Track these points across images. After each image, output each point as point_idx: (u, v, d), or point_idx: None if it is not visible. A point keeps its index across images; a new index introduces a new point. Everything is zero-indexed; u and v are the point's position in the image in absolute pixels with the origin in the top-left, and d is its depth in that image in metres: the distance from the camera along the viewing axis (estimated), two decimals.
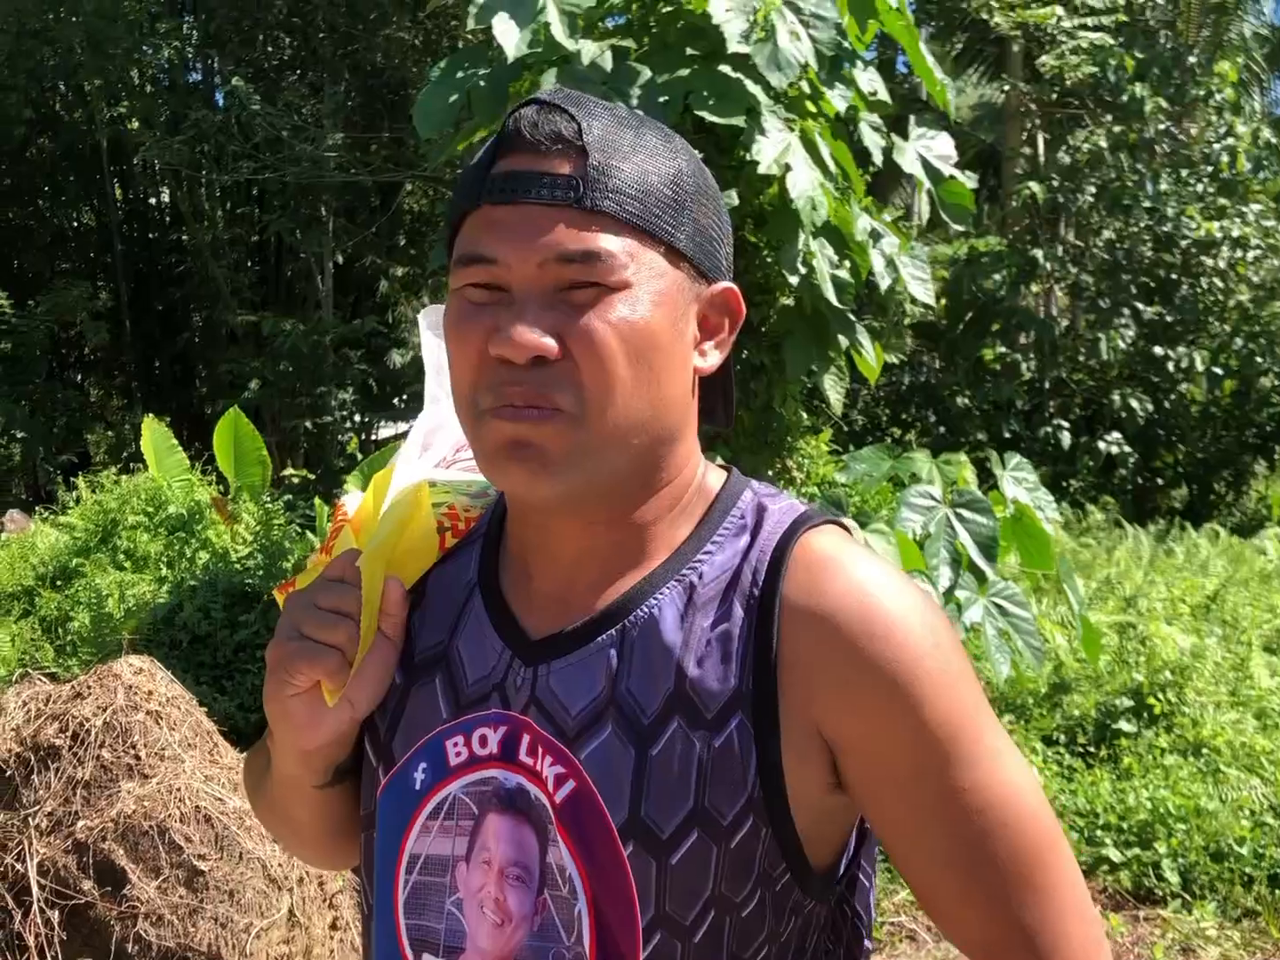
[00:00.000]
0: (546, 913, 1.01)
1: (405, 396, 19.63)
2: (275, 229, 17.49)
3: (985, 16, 13.51)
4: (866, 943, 1.11)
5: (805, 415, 5.36)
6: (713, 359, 1.06)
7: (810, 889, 1.03)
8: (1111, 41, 13.60)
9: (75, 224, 21.54)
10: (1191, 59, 14.70)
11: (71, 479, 16.92)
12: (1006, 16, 13.12)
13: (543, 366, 0.96)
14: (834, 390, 4.72)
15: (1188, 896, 4.50)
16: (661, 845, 0.98)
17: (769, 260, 4.76)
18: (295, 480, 11.47)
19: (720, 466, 1.12)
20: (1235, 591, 7.64)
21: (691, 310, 1.03)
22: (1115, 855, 4.66)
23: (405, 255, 20.51)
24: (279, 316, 16.96)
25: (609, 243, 0.97)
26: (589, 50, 4.45)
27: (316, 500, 8.52)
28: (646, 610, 1.02)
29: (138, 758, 3.59)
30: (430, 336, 1.21)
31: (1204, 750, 5.30)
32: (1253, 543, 10.77)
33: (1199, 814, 4.75)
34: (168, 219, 21.21)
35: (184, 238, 19.45)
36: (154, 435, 9.62)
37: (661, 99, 4.37)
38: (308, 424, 16.92)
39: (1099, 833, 4.77)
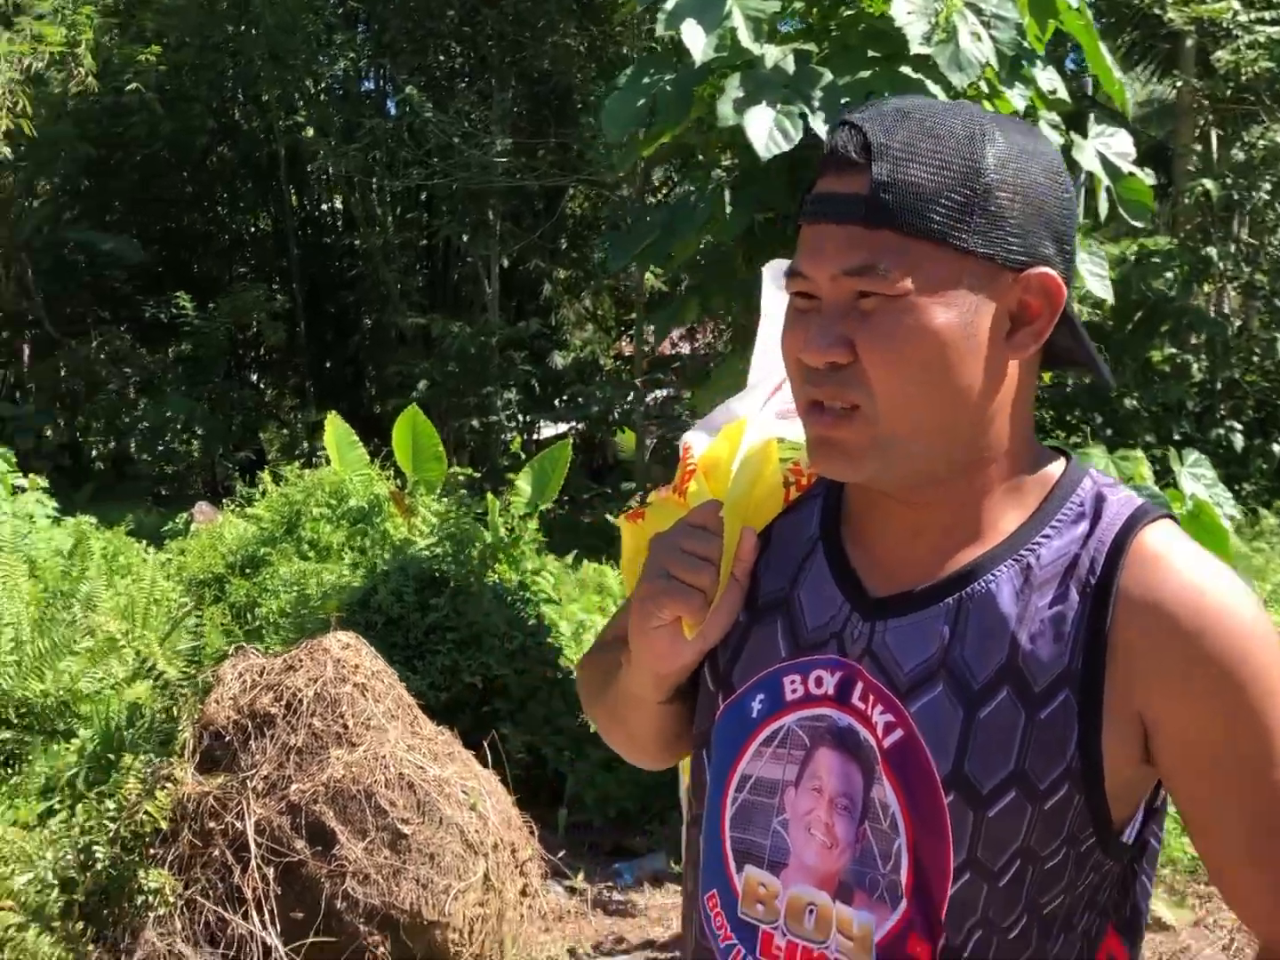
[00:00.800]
0: (866, 842, 1.12)
1: (565, 397, 19.99)
2: (446, 233, 17.95)
3: (1158, 12, 13.27)
4: (1148, 901, 1.22)
5: None
6: (1027, 344, 1.12)
7: (1110, 850, 1.13)
8: None
9: (252, 229, 22.34)
10: None
11: (247, 475, 17.59)
12: (1180, 11, 12.88)
13: (839, 370, 1.09)
14: None
15: None
16: (980, 799, 1.09)
17: None
18: (461, 477, 11.80)
19: (1054, 449, 1.21)
20: None
21: (988, 304, 1.09)
22: None
23: (568, 259, 20.85)
24: (447, 319, 17.40)
25: (888, 255, 1.06)
26: (772, 54, 4.57)
27: (489, 496, 8.76)
28: (984, 585, 1.12)
29: (346, 726, 3.82)
30: (771, 288, 1.33)
31: None
32: None
33: None
34: (340, 224, 21.89)
35: (356, 242, 20.06)
36: (336, 431, 10.02)
37: (844, 100, 4.47)
38: (474, 423, 17.31)
39: None
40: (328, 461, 10.30)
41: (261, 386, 22.16)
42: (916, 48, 4.42)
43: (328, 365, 21.49)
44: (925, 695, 1.11)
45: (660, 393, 18.41)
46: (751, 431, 1.25)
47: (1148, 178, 4.94)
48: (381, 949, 3.67)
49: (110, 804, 3.76)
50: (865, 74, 4.57)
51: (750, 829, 1.18)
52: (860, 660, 1.14)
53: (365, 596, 5.66)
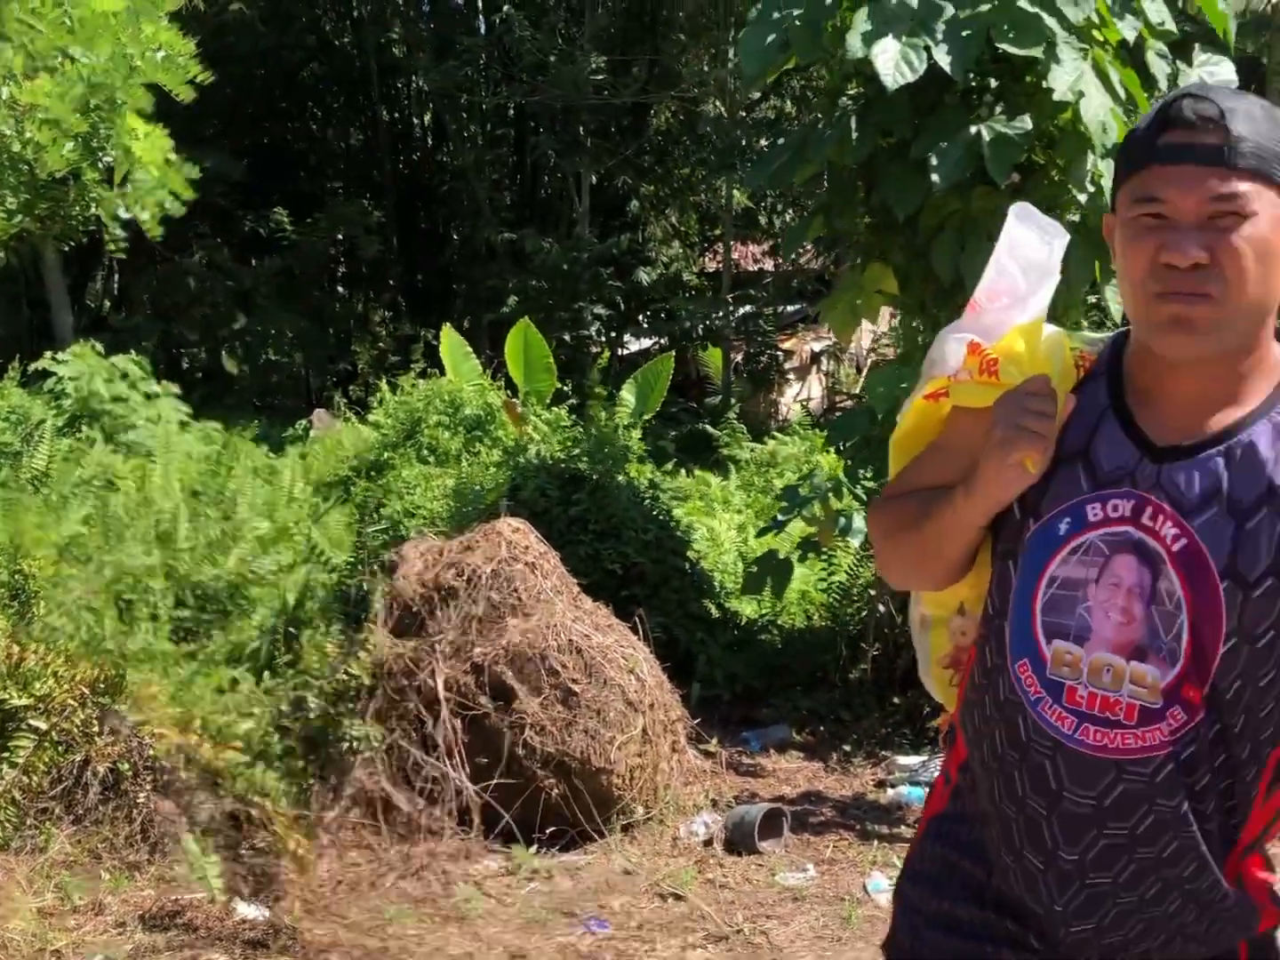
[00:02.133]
0: (1153, 620, 1.57)
1: (649, 313, 20.32)
2: (541, 150, 18.22)
3: None
4: None
5: (1084, 324, 5.78)
6: None
7: None
8: None
9: (345, 145, 22.73)
10: None
11: (342, 386, 18.08)
12: None
13: (1197, 269, 1.51)
14: (1114, 300, 5.12)
15: None
16: (1248, 585, 1.54)
17: (1057, 180, 5.16)
18: (553, 390, 12.23)
19: None
20: None
21: None
22: None
23: (654, 174, 21.06)
24: (537, 235, 17.74)
25: (1243, 188, 1.49)
26: None
27: (597, 406, 9.17)
28: (1246, 437, 1.57)
29: (520, 599, 4.33)
30: (1019, 225, 1.75)
31: None
32: None
33: None
34: (431, 140, 22.25)
35: (446, 158, 20.43)
36: (451, 343, 10.51)
37: (965, 33, 4.81)
38: (566, 337, 17.71)
39: None
40: (423, 374, 10.78)
41: (354, 301, 22.62)
42: None
43: (419, 279, 21.94)
44: (1204, 514, 1.56)
45: (747, 308, 18.70)
46: (1047, 329, 1.69)
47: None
48: (556, 790, 4.20)
49: (315, 663, 4.30)
50: (985, 8, 4.89)
51: (1059, 614, 1.61)
52: (1150, 491, 1.58)
53: (511, 493, 6.16)
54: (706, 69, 18.22)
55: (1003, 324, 1.71)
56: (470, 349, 10.65)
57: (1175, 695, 1.56)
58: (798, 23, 5.06)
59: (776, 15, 5.13)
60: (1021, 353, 1.67)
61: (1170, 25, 5.18)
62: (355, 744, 4.14)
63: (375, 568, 4.67)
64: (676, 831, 4.56)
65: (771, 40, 5.09)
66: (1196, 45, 5.31)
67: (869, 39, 4.80)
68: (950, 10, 4.86)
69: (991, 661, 1.69)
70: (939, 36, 4.81)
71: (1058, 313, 5.18)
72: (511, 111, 19.80)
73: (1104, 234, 1.67)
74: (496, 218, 18.75)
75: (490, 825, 4.33)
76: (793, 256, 19.91)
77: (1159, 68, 5.13)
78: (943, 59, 4.76)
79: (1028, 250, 1.73)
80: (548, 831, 4.36)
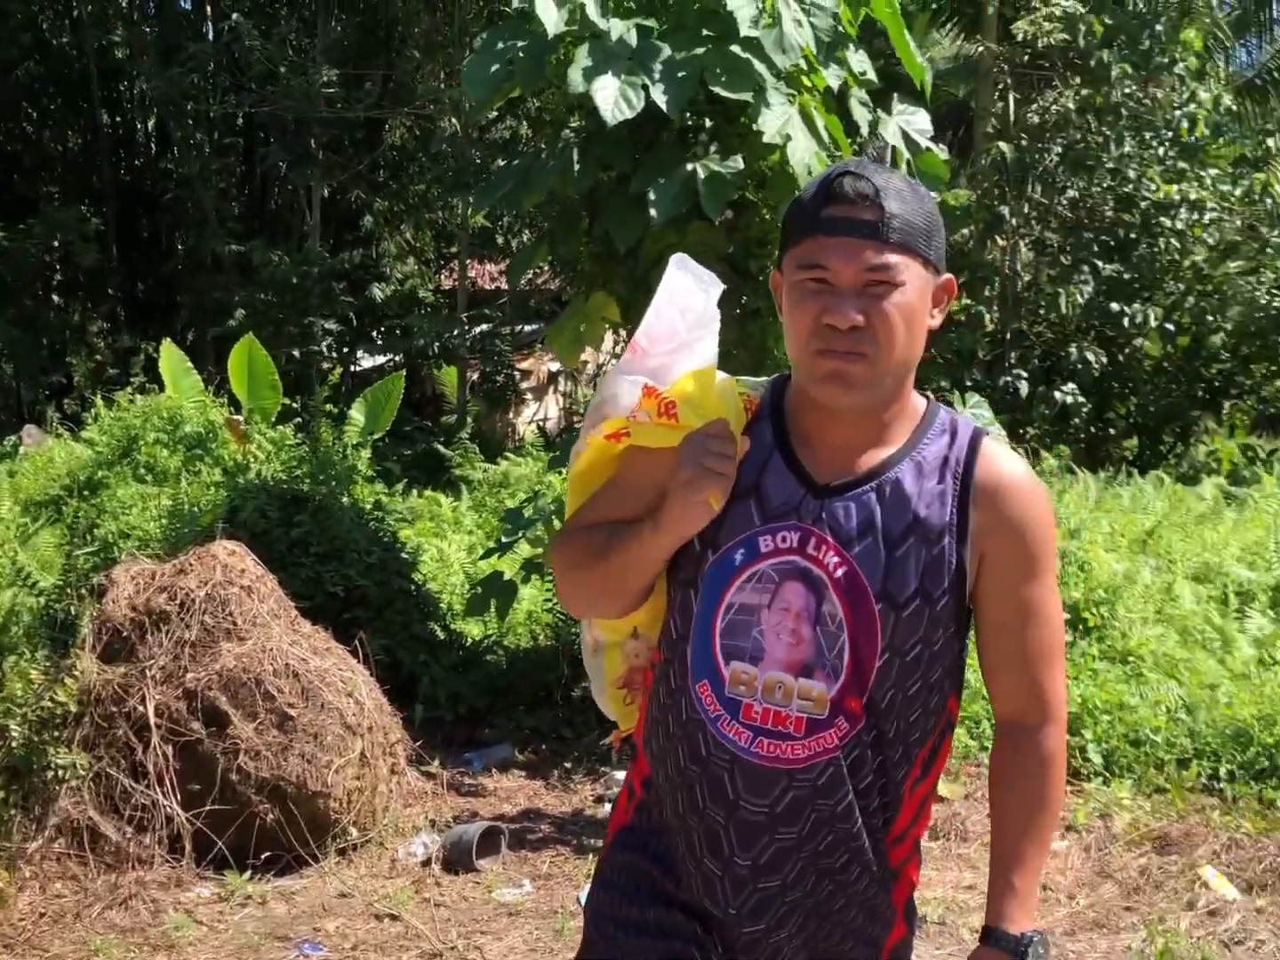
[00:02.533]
0: (819, 640, 1.75)
1: (383, 329, 20.15)
2: (271, 161, 17.86)
3: None
4: (963, 678, 1.92)
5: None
6: (939, 320, 1.80)
7: (962, 638, 1.84)
8: (1082, 9, 14.20)
9: (61, 149, 21.77)
10: (1159, 26, 15.30)
11: (55, 400, 17.28)
12: None
13: (855, 331, 1.70)
14: None
15: (1108, 775, 5.28)
16: (898, 606, 1.75)
17: (767, 218, 5.41)
18: (279, 408, 12.02)
19: (920, 394, 1.88)
20: (1170, 530, 8.39)
21: (927, 293, 1.76)
22: None
23: (388, 190, 20.89)
24: (266, 246, 17.36)
25: (894, 260, 1.70)
26: (617, 28, 5.07)
27: (324, 424, 9.07)
28: (894, 475, 1.78)
29: (235, 623, 4.29)
30: (678, 273, 1.89)
31: (1130, 658, 6.07)
32: (1193, 490, 11.52)
33: (1122, 709, 5.52)
34: (155, 146, 21.51)
35: (171, 165, 19.78)
36: (171, 358, 10.22)
37: (681, 74, 5.00)
38: (295, 352, 17.38)
39: None
40: (141, 389, 10.45)
41: (70, 311, 21.65)
42: (746, 30, 4.97)
43: (140, 290, 21.17)
44: (861, 543, 1.76)
45: (483, 327, 18.71)
46: (718, 375, 1.84)
47: (943, 152, 5.61)
48: (271, 815, 4.17)
49: (19, 689, 4.15)
50: (700, 51, 5.10)
51: (736, 637, 1.78)
52: (814, 524, 1.77)
53: (230, 514, 6.05)
54: (442, 86, 18.19)
55: (670, 368, 1.84)
56: (191, 364, 10.39)
57: (839, 707, 1.76)
58: (521, 54, 5.17)
59: (501, 45, 5.23)
60: (697, 396, 1.82)
61: (871, 75, 5.51)
62: (61, 772, 4.02)
63: (84, 591, 4.55)
64: (395, 853, 4.58)
65: (496, 69, 5.18)
66: (895, 95, 5.65)
67: (590, 74, 4.95)
68: (667, 52, 5.04)
69: (675, 683, 1.85)
70: (656, 76, 4.98)
71: (769, 343, 5.44)
72: (241, 121, 19.34)
73: (771, 288, 1.85)
74: (224, 228, 18.25)
75: (203, 852, 4.27)
76: (529, 276, 20.05)
77: (861, 114, 5.44)
78: (660, 98, 4.94)
79: (687, 298, 1.88)
80: (263, 857, 4.32)
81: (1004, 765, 1.85)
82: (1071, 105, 14.70)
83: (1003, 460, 1.83)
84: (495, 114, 18.45)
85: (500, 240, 20.77)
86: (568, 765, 5.74)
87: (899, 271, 1.70)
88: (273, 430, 9.17)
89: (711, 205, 5.04)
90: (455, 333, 17.40)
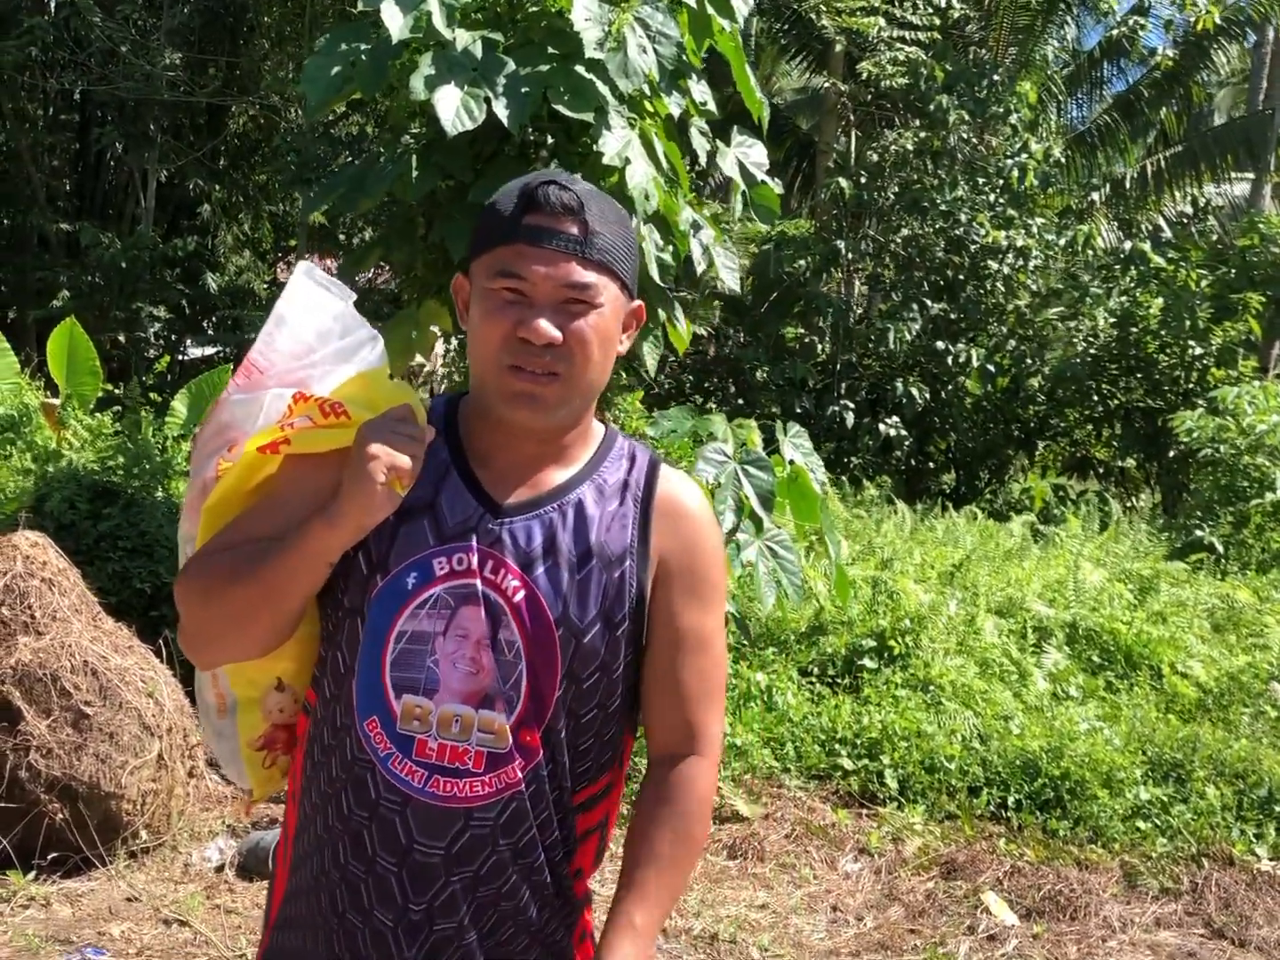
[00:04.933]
0: (496, 668, 1.66)
1: (214, 319, 19.70)
2: (107, 140, 17.35)
3: (814, 17, 14.38)
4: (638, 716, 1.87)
5: (624, 375, 6.13)
6: (626, 346, 1.76)
7: (637, 669, 1.79)
8: (924, 56, 14.64)
9: None
10: (997, 76, 15.85)
11: None
12: (834, 21, 14.03)
13: (550, 348, 1.64)
14: (650, 356, 5.47)
15: (903, 800, 5.45)
16: (579, 631, 1.69)
17: None
18: (102, 394, 11.71)
19: (597, 420, 1.84)
20: (978, 564, 8.68)
21: (619, 316, 1.71)
22: (848, 764, 5.59)
23: (228, 179, 20.47)
24: (96, 228, 16.87)
25: (596, 279, 1.64)
26: (463, 38, 5.08)
27: (144, 415, 8.87)
28: (575, 496, 1.73)
29: (33, 617, 4.16)
30: (306, 282, 1.79)
31: (931, 687, 6.27)
32: (1004, 526, 11.93)
33: (919, 736, 5.70)
34: None
35: (1, 139, 19.09)
36: None
37: (523, 89, 5.03)
38: (120, 338, 16.91)
39: (836, 746, 5.70)
40: None
41: None
42: (591, 52, 5.02)
43: None
44: (541, 566, 1.69)
45: None
46: (381, 375, 1.79)
47: (777, 186, 5.73)
48: (61, 815, 4.06)
49: None
50: (544, 68, 5.13)
51: (408, 668, 1.66)
52: (493, 546, 1.68)
53: (37, 503, 5.88)
54: (292, 77, 17.90)
55: (321, 378, 1.78)
56: (8, 344, 10.04)
57: (518, 739, 1.66)
58: (364, 57, 5.14)
59: (345, 47, 5.19)
60: (366, 395, 1.74)
61: (712, 106, 5.60)
62: None
63: None
64: (189, 858, 4.50)
65: (338, 71, 5.14)
66: (735, 127, 5.76)
67: (432, 83, 4.93)
68: (511, 66, 5.07)
69: (340, 721, 1.71)
70: (500, 90, 5.00)
71: None
72: (77, 97, 18.76)
73: (452, 291, 1.77)
74: (52, 206, 17.69)
75: None
76: (369, 275, 19.79)
77: (700, 144, 5.53)
78: (501, 111, 4.95)
79: (319, 308, 1.81)
80: (49, 858, 4.21)
81: (653, 798, 1.77)
82: (910, 146, 15.12)
83: (681, 486, 1.81)
84: (341, 111, 18.24)
85: (342, 237, 20.52)
86: None
87: (598, 292, 1.65)
88: (90, 418, 8.91)
89: None
90: None
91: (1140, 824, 5.23)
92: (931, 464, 15.94)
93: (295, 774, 1.82)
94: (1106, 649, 7.08)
